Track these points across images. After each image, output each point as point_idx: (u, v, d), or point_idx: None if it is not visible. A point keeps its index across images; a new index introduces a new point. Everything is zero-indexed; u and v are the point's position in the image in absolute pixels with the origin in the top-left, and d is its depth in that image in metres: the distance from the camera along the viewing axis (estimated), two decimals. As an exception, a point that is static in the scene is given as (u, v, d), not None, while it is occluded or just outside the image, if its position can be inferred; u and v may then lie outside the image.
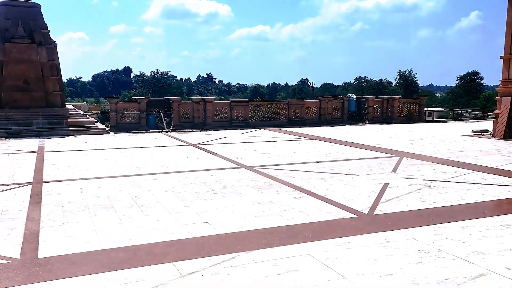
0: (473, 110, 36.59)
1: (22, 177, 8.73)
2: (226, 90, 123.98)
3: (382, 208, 6.28)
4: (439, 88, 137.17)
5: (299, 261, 4.32)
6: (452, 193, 7.18)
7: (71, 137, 16.36)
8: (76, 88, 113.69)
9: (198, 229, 5.35)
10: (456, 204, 6.54)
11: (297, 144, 14.08)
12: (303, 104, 21.93)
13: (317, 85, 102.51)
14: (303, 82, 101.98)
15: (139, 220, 5.76)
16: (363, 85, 78.78)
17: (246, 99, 30.75)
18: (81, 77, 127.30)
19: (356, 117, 23.07)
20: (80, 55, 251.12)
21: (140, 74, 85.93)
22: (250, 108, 21.01)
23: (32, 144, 14.20)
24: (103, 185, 7.98)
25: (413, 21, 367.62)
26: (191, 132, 18.25)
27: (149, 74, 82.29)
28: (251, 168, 9.67)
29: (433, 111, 31.18)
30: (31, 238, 5.05)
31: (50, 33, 18.79)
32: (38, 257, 4.49)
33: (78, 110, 20.99)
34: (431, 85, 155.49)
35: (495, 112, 16.30)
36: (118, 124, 18.69)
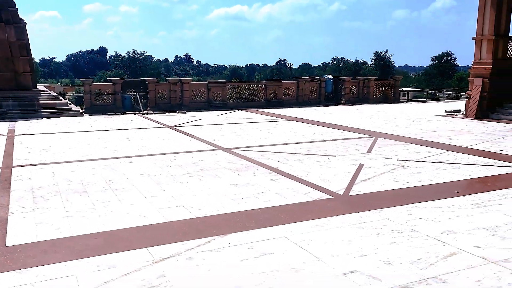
0: (447, 90, 37.36)
1: (-12, 162, 8.36)
2: (204, 71, 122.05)
3: (357, 189, 6.36)
4: (413, 68, 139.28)
5: (275, 244, 4.33)
6: (425, 173, 7.34)
7: (44, 119, 15.77)
8: (50, 69, 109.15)
9: (174, 213, 5.27)
10: (429, 184, 6.70)
11: (275, 125, 14.05)
12: (281, 85, 21.83)
13: (295, 65, 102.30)
14: (281, 63, 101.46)
15: (113, 204, 5.62)
16: (340, 66, 79.14)
17: (224, 80, 30.36)
18: (54, 58, 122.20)
19: (333, 97, 23.20)
20: (53, 35, 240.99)
21: (116, 55, 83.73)
22: (228, 89, 20.76)
23: (1, 127, 13.61)
24: (76, 169, 7.75)
25: (389, 2, 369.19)
26: (168, 114, 17.91)
27: (126, 55, 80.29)
28: (228, 150, 9.59)
29: (408, 91, 31.67)
30: (-2, 226, 4.86)
31: (18, 11, 17.85)
32: (6, 245, 4.32)
33: (50, 92, 20.21)
34: (406, 65, 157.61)
35: (468, 92, 16.70)
36: (93, 106, 18.14)
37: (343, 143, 10.48)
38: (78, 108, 18.47)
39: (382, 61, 72.65)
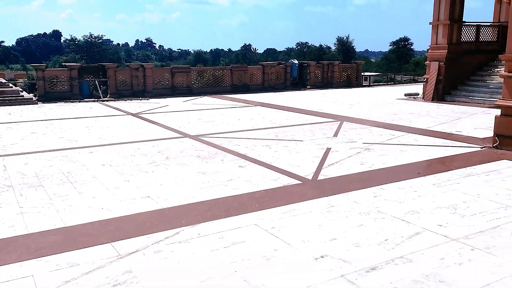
0: (405, 74, 38.61)
1: None
2: (167, 56, 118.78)
3: (325, 173, 6.41)
4: (374, 53, 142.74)
5: (245, 232, 4.26)
6: (388, 155, 7.53)
7: (-9, 108, 14.70)
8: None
9: (139, 205, 5.06)
10: (392, 166, 6.87)
11: (242, 111, 13.91)
12: (247, 70, 21.61)
13: (260, 50, 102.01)
14: (247, 48, 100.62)
15: (73, 198, 5.32)
16: (304, 51, 79.73)
17: (188, 65, 29.66)
18: (3, 42, 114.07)
19: (299, 82, 23.31)
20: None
21: (72, 39, 79.91)
22: (192, 74, 20.27)
23: None
24: (31, 161, 7.27)
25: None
26: (130, 101, 17.25)
27: (82, 39, 76.51)
28: (195, 137, 9.38)
29: (369, 75, 32.40)
30: None
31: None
32: (-48, 247, 3.97)
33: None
34: (367, 50, 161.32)
35: (425, 76, 17.28)
36: (47, 93, 17.12)
37: (310, 128, 10.55)
38: (31, 96, 17.36)
39: (345, 46, 73.90)
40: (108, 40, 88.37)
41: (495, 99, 10.86)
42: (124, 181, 6.06)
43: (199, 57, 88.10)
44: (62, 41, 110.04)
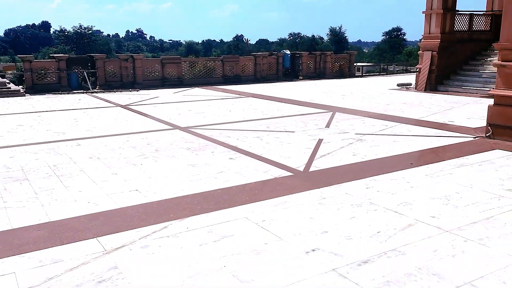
0: (397, 64, 38.54)
1: None
2: (158, 47, 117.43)
3: (317, 165, 6.33)
4: (366, 44, 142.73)
5: (235, 225, 4.16)
6: (381, 146, 7.46)
7: (-23, 101, 14.36)
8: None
9: (127, 198, 4.94)
10: (385, 157, 6.81)
11: (233, 102, 13.75)
12: (238, 61, 21.38)
13: (252, 41, 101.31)
14: (238, 38, 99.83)
15: (59, 192, 5.17)
16: (297, 41, 79.42)
17: (179, 56, 29.25)
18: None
19: (291, 73, 23.14)
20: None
21: (61, 30, 78.61)
22: (183, 65, 19.99)
23: None
24: (16, 154, 7.08)
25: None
26: (119, 92, 16.98)
27: (71, 30, 75.29)
28: (185, 129, 9.23)
29: (362, 66, 32.29)
30: None
31: None
32: None
33: (-16, 70, 18.40)
34: (359, 41, 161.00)
35: (417, 66, 17.23)
36: (35, 85, 16.77)
37: (302, 119, 10.44)
38: (18, 87, 17.00)
39: (337, 37, 73.74)
40: (98, 31, 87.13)
41: (488, 89, 10.84)
42: (112, 174, 5.92)
43: (191, 48, 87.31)
44: (51, 32, 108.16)
